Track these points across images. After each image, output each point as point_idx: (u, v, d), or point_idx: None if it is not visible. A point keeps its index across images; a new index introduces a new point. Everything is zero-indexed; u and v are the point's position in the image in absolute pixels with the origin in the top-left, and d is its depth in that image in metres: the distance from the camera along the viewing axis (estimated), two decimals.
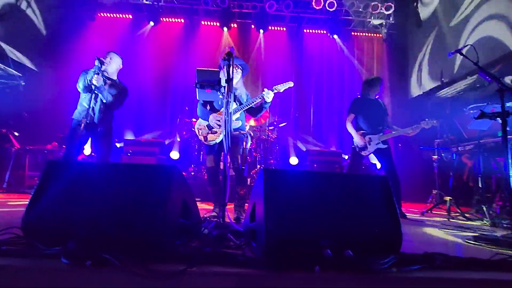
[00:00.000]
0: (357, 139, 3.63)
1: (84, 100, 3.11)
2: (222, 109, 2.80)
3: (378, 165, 5.69)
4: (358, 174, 1.66)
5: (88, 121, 2.90)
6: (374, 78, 3.79)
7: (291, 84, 2.79)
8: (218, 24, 7.02)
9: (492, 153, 3.56)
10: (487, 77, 2.40)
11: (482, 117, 2.28)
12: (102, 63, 2.96)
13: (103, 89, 3.05)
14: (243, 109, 2.81)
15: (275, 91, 2.73)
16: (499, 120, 2.24)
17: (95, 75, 2.89)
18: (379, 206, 1.47)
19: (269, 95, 2.69)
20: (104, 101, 3.10)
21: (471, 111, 3.50)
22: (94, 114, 3.05)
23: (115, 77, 3.32)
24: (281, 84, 2.77)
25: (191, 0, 6.68)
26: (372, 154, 3.69)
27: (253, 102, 2.77)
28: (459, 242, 2.06)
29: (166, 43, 7.07)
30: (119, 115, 3.44)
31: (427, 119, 3.48)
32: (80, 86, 3.05)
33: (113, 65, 3.24)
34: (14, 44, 5.60)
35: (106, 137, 3.21)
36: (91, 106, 2.92)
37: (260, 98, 2.74)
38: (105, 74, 3.16)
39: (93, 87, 2.91)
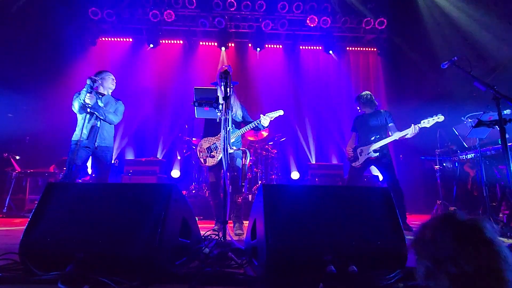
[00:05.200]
0: (346, 151, 3.75)
1: (80, 120, 3.13)
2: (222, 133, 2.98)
3: (381, 177, 5.64)
4: (359, 187, 1.65)
5: (85, 140, 2.94)
6: (358, 95, 3.81)
7: (281, 112, 3.07)
8: (216, 44, 7.20)
9: (494, 161, 3.54)
10: (482, 86, 2.42)
11: (479, 126, 2.28)
12: (94, 81, 3.01)
13: (98, 107, 3.08)
14: (239, 134, 3.07)
15: (269, 118, 3.01)
16: (497, 127, 2.24)
17: (88, 94, 2.93)
18: (382, 219, 1.45)
19: (266, 122, 2.98)
20: (102, 118, 3.12)
21: (469, 120, 3.49)
22: (91, 132, 3.06)
23: (107, 92, 3.35)
24: (272, 112, 3.06)
25: (189, 22, 6.88)
26: (373, 166, 3.67)
27: (250, 127, 3.03)
28: None
29: (166, 64, 7.22)
30: (119, 135, 3.48)
31: (431, 117, 3.16)
32: (75, 107, 3.08)
33: (105, 83, 3.29)
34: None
35: (106, 154, 3.21)
36: (86, 125, 2.96)
37: (256, 124, 2.99)
38: (98, 91, 3.21)
39: (87, 106, 2.94)
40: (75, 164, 2.90)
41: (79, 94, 3.08)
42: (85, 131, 2.96)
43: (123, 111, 3.40)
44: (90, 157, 3.24)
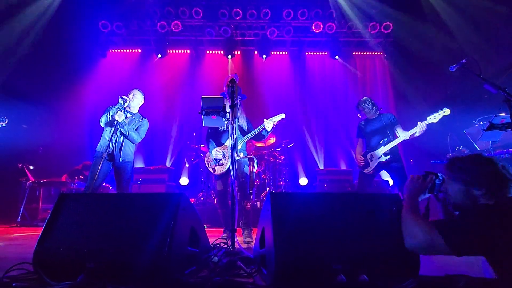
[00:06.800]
0: (356, 159, 3.68)
1: (105, 133, 3.34)
2: (226, 142, 3.12)
3: (391, 182, 5.55)
4: (368, 193, 1.63)
5: (109, 153, 3.12)
6: (360, 100, 3.76)
7: (282, 115, 3.13)
8: (222, 52, 7.30)
9: (509, 164, 3.44)
10: (493, 88, 2.37)
11: (491, 129, 2.23)
12: (124, 101, 3.23)
13: (125, 124, 3.27)
14: (245, 140, 3.12)
15: (272, 122, 3.06)
16: (510, 130, 2.19)
17: (118, 112, 3.14)
18: (393, 226, 1.42)
19: (269, 125, 3.01)
20: (125, 134, 3.29)
21: (481, 123, 3.42)
22: (115, 146, 3.23)
23: (136, 111, 3.55)
24: (275, 116, 3.10)
25: (196, 32, 7.01)
26: (384, 171, 3.62)
27: (255, 133, 3.07)
28: (483, 261, 1.93)
29: (174, 73, 7.34)
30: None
31: (437, 112, 3.15)
32: (102, 121, 3.29)
33: (135, 100, 3.49)
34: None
35: (126, 168, 3.34)
36: (112, 139, 3.14)
37: (261, 129, 3.04)
38: (128, 109, 3.40)
39: (115, 122, 3.15)
40: (97, 175, 3.02)
41: (110, 109, 3.30)
42: (111, 145, 3.14)
43: (146, 130, 3.55)
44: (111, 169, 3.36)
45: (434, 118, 3.17)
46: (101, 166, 3.01)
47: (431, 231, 1.18)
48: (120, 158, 3.24)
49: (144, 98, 3.62)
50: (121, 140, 3.28)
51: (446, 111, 3.11)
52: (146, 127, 3.55)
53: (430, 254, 1.26)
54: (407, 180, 1.47)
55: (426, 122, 3.19)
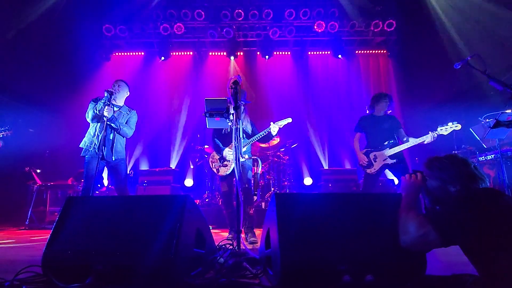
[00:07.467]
0: (359, 158, 3.58)
1: (91, 129, 3.18)
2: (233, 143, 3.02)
3: (396, 181, 5.50)
4: (373, 193, 1.62)
5: (97, 150, 2.95)
6: (377, 94, 3.71)
7: (289, 120, 3.15)
8: (225, 53, 7.33)
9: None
10: (498, 85, 2.35)
11: (498, 126, 2.21)
12: (111, 94, 3.05)
13: (115, 119, 3.12)
14: (250, 143, 3.13)
15: (277, 126, 3.07)
16: None
17: (106, 107, 2.97)
18: (397, 225, 1.42)
19: (275, 129, 3.03)
20: (117, 129, 3.15)
21: (487, 120, 3.38)
22: (106, 145, 3.06)
23: (122, 103, 3.39)
24: (281, 120, 3.12)
25: (199, 34, 7.04)
26: (387, 170, 3.59)
27: (260, 136, 3.09)
28: None
29: (177, 75, 7.39)
30: (133, 146, 3.54)
31: (447, 124, 3.16)
32: (89, 116, 3.13)
33: (122, 92, 3.33)
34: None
35: (121, 166, 3.25)
36: (99, 136, 2.98)
37: (267, 132, 3.06)
38: (113, 102, 3.23)
39: (104, 118, 2.98)
40: (92, 176, 2.94)
41: (95, 102, 3.16)
42: (96, 141, 3.00)
43: (135, 122, 3.40)
44: (105, 168, 3.30)
45: (445, 130, 3.18)
46: (93, 166, 2.89)
47: (423, 224, 1.25)
48: (113, 157, 3.11)
49: (129, 90, 3.44)
50: (111, 137, 3.13)
51: (458, 126, 3.12)
52: (136, 119, 3.40)
53: (421, 248, 1.31)
54: (402, 182, 1.53)
55: (436, 132, 3.20)
